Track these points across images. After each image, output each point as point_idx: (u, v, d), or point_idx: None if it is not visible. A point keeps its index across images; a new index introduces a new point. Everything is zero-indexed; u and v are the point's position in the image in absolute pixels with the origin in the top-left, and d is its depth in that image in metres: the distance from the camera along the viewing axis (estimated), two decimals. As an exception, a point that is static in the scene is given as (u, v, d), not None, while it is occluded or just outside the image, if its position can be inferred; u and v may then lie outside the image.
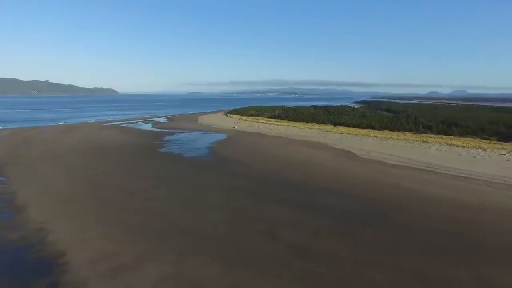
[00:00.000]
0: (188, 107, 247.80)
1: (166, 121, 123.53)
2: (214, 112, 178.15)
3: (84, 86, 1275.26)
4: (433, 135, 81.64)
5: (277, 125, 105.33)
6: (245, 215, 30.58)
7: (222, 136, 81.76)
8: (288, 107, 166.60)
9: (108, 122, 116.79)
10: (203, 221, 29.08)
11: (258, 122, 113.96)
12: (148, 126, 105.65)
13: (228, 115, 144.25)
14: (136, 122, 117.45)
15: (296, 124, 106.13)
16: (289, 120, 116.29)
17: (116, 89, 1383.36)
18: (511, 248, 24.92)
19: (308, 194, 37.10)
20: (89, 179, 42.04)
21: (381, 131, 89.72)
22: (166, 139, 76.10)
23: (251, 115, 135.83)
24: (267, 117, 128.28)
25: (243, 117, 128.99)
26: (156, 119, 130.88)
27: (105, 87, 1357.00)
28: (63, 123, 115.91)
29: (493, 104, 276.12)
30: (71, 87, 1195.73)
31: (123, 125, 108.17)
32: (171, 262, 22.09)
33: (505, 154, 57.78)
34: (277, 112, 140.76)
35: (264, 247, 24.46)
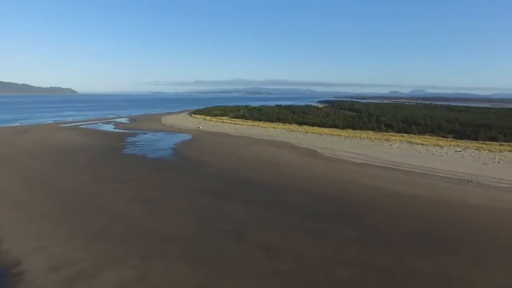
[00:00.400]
0: (151, 107, 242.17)
1: (128, 122, 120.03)
2: (178, 112, 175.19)
3: (40, 86, 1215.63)
4: (394, 134, 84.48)
5: (242, 125, 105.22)
6: (211, 215, 30.20)
7: (186, 137, 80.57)
8: (253, 107, 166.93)
9: (67, 123, 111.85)
10: (167, 223, 28.41)
11: (223, 122, 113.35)
12: (109, 127, 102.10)
13: (193, 115, 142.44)
14: (96, 123, 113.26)
15: (261, 123, 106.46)
16: (254, 119, 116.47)
17: (74, 89, 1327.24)
18: (470, 240, 26.12)
19: (274, 193, 37.22)
20: (46, 182, 40.00)
21: (344, 130, 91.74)
22: (128, 140, 73.93)
23: (216, 115, 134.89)
24: (232, 117, 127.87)
25: (208, 117, 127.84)
26: (118, 120, 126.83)
27: (63, 86, 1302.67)
28: (18, 124, 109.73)
29: (449, 103, 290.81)
30: (25, 87, 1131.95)
31: (82, 126, 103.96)
32: (135, 266, 21.37)
33: (460, 151, 60.82)
34: (242, 112, 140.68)
35: (231, 247, 24.23)
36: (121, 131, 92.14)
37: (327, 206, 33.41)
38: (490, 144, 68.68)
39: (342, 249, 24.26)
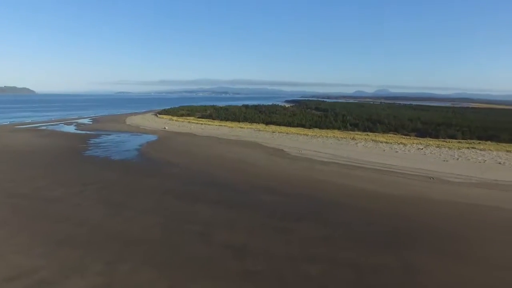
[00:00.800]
0: (115, 108, 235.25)
1: (91, 123, 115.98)
2: (143, 112, 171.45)
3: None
4: (359, 132, 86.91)
5: (209, 125, 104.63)
6: (178, 217, 29.82)
7: (152, 137, 79.03)
8: (220, 107, 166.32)
9: (23, 125, 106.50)
10: (133, 226, 27.79)
11: (189, 122, 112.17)
12: (71, 128, 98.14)
13: (158, 115, 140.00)
14: (57, 124, 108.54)
15: (228, 123, 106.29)
16: (221, 119, 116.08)
17: (32, 88, 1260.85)
18: (432, 234, 27.32)
19: (242, 193, 37.28)
20: (1, 187, 37.97)
21: (311, 129, 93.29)
22: (91, 142, 71.50)
23: (182, 115, 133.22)
24: (198, 117, 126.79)
25: (174, 117, 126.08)
26: (80, 121, 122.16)
27: (19, 86, 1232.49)
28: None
29: (412, 103, 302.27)
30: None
31: (42, 127, 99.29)
32: (100, 271, 20.73)
33: (422, 149, 63.57)
34: (208, 111, 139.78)
35: (199, 248, 24.04)
36: (84, 132, 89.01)
37: (294, 204, 33.87)
38: (449, 142, 72.35)
39: (310, 247, 24.68)
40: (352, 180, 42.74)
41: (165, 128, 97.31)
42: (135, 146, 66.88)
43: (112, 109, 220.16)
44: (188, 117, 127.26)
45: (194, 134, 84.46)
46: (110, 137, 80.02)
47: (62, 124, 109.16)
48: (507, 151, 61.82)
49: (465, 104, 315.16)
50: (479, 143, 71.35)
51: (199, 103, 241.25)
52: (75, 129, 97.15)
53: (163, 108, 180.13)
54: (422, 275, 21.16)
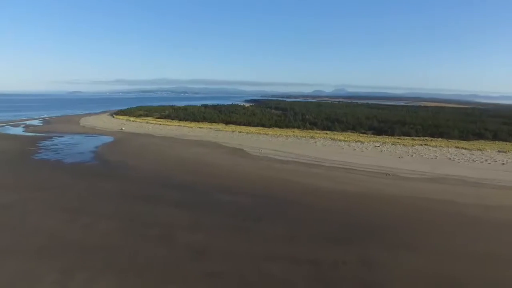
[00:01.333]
0: (68, 108, 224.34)
1: (41, 124, 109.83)
2: (99, 113, 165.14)
3: None
4: (318, 131, 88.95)
5: (168, 125, 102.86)
6: (138, 221, 29.16)
7: (108, 139, 76.44)
8: (179, 107, 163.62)
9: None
10: (90, 232, 26.83)
11: (147, 122, 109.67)
12: (18, 130, 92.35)
13: (115, 116, 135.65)
14: (2, 126, 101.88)
15: (187, 123, 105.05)
16: (180, 120, 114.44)
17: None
18: (388, 228, 28.62)
19: (203, 194, 37.09)
20: None
21: (271, 128, 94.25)
22: (42, 144, 67.88)
23: (140, 116, 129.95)
24: (156, 118, 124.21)
25: (131, 118, 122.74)
26: (29, 122, 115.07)
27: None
28: None
29: (368, 102, 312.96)
30: None
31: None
32: (55, 281, 19.89)
33: (379, 146, 66.25)
34: (167, 112, 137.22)
35: (160, 252, 23.67)
36: (34, 134, 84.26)
37: (255, 204, 34.18)
38: (404, 139, 76.01)
39: (271, 246, 25.06)
40: (312, 178, 43.74)
41: (122, 129, 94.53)
42: (90, 148, 64.39)
43: (65, 109, 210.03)
44: (146, 118, 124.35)
45: (153, 135, 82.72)
46: (62, 139, 76.46)
47: (9, 126, 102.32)
48: (456, 147, 65.93)
49: (417, 103, 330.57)
50: (431, 140, 75.61)
51: (158, 103, 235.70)
52: (23, 131, 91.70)
53: (120, 108, 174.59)
54: (378, 268, 22.17)
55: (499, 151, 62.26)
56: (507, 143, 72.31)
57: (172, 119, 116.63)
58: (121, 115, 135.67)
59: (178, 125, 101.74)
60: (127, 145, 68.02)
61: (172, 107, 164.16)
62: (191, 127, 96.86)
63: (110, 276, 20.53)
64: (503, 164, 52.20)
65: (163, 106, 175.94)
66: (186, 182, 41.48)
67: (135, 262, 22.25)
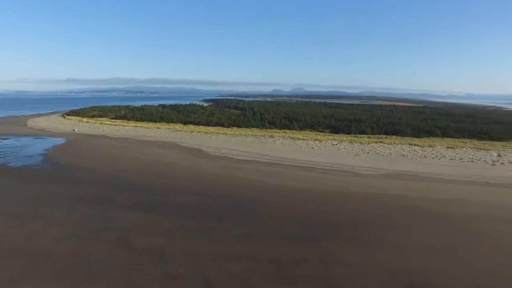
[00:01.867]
0: (14, 109, 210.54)
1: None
2: (49, 113, 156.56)
3: None
4: (277, 130, 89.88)
5: (124, 126, 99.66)
6: (93, 225, 28.00)
7: (59, 141, 72.68)
8: (135, 107, 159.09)
9: None
10: (40, 239, 25.40)
11: (101, 123, 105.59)
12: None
13: (66, 116, 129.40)
14: None
15: (144, 124, 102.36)
16: (136, 120, 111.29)
17: None
18: (347, 224, 29.48)
19: (161, 195, 36.29)
20: None
21: (230, 128, 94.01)
22: (-16, 148, 63.31)
23: (94, 116, 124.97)
24: (111, 118, 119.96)
25: (84, 119, 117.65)
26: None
27: None
28: None
29: (325, 101, 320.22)
30: None
31: None
32: (0, 293, 18.62)
33: (337, 144, 68.00)
34: (123, 112, 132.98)
35: (116, 256, 22.88)
36: (-25, 137, 78.35)
37: (215, 204, 33.91)
38: (361, 137, 78.59)
39: (232, 245, 24.98)
40: (272, 177, 44.07)
41: (74, 130, 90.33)
42: (39, 151, 60.87)
43: (11, 110, 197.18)
44: (100, 118, 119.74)
45: (108, 136, 79.74)
46: (8, 141, 71.65)
47: None
48: (409, 144, 69.25)
49: (372, 102, 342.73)
50: (386, 137, 78.88)
51: (113, 103, 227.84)
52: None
53: (72, 108, 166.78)
54: (338, 264, 22.80)
55: (447, 147, 66.03)
56: (455, 139, 77.19)
57: (128, 120, 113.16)
58: (73, 115, 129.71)
59: (134, 126, 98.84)
60: (80, 147, 65.05)
61: (128, 107, 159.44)
62: (149, 128, 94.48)
63: (63, 285, 19.56)
64: (451, 159, 55.36)
65: (119, 106, 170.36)
66: (144, 183, 40.40)
67: (90, 269, 21.33)
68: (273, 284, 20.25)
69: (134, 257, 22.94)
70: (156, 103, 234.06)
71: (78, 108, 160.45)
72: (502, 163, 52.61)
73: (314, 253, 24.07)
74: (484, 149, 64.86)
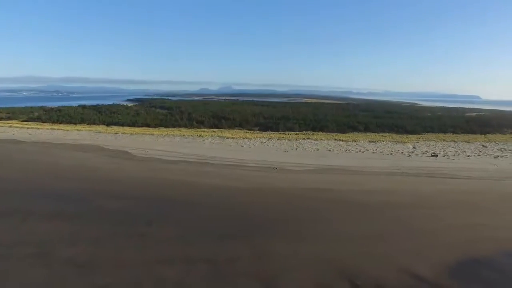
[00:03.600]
0: None
1: None
2: None
3: None
4: (206, 129, 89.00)
5: (38, 128, 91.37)
6: (7, 240, 25.34)
7: (-40, 148, 64.54)
8: (51, 108, 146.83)
9: None
10: None
11: (10, 126, 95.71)
12: None
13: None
14: None
15: (62, 126, 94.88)
16: (53, 122, 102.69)
17: None
18: (278, 219, 30.21)
19: (85, 202, 34.00)
20: None
21: (156, 128, 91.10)
22: None
23: (1, 119, 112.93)
24: (23, 121, 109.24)
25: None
26: None
27: None
28: None
29: (254, 99, 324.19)
30: None
31: None
32: None
33: (266, 142, 69.29)
34: (36, 114, 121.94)
35: (35, 273, 21.02)
36: None
37: (144, 207, 32.70)
38: (289, 134, 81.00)
39: (164, 249, 24.34)
40: (202, 177, 43.65)
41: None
42: None
43: None
44: (9, 121, 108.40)
45: (20, 141, 72.42)
46: None
47: None
48: (335, 139, 73.13)
49: (299, 100, 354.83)
50: (313, 133, 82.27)
51: (24, 104, 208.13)
52: None
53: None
54: (272, 258, 23.40)
55: (370, 141, 70.99)
56: (376, 134, 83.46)
57: (43, 122, 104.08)
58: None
59: (51, 129, 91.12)
60: (-14, 153, 58.40)
61: (43, 108, 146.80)
62: (67, 130, 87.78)
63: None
64: (373, 152, 59.60)
65: (31, 107, 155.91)
66: (65, 190, 37.51)
67: (5, 288, 19.29)
68: (209, 285, 20.15)
69: (56, 271, 21.26)
70: (75, 103, 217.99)
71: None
72: (417, 155, 58.03)
73: (248, 250, 24.39)
74: (401, 142, 71.08)
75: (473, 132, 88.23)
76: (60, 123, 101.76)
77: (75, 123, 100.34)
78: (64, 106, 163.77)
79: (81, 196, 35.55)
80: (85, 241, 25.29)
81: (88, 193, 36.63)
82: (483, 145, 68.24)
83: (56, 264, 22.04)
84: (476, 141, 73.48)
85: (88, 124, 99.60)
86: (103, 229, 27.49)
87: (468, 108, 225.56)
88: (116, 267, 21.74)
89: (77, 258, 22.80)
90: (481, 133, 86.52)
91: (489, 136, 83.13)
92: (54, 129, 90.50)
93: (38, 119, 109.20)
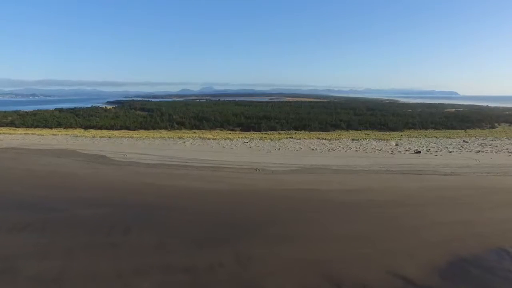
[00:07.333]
0: None
1: None
2: None
3: None
4: (187, 131, 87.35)
5: (11, 134, 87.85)
6: (-32, 256, 23.48)
7: None
8: (26, 112, 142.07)
9: None
10: None
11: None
12: None
13: None
14: None
15: (37, 131, 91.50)
16: (28, 127, 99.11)
17: None
18: (261, 221, 29.24)
19: (58, 210, 32.17)
20: None
21: (136, 131, 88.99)
22: None
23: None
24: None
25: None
26: None
27: None
28: None
29: (235, 99, 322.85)
30: None
31: None
32: None
33: (248, 142, 68.16)
34: (10, 118, 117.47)
35: (-1, 291, 19.35)
36: None
37: (121, 214, 31.19)
38: (271, 134, 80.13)
39: (141, 259, 23.04)
40: (183, 180, 42.29)
41: None
42: None
43: None
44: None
45: (-10, 147, 69.42)
46: None
47: None
48: (318, 138, 72.67)
49: (281, 99, 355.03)
50: (295, 133, 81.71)
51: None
52: None
53: None
54: (254, 262, 22.42)
55: (352, 140, 70.77)
56: (358, 131, 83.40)
57: (17, 127, 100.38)
58: None
59: (25, 133, 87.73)
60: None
61: (17, 112, 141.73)
62: (43, 135, 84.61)
63: None
64: (356, 151, 59.29)
65: (4, 111, 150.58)
66: (37, 199, 35.50)
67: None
68: (188, 296, 18.97)
69: (23, 286, 19.69)
70: (52, 107, 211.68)
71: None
72: (400, 152, 58.02)
73: (230, 256, 23.28)
74: (384, 139, 71.14)
75: (453, 127, 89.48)
76: (35, 127, 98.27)
77: (51, 127, 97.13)
78: (40, 110, 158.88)
79: (54, 205, 33.62)
80: (55, 254, 23.65)
81: (62, 201, 34.78)
82: (464, 141, 68.94)
83: (22, 280, 20.43)
84: (457, 137, 74.33)
85: (64, 128, 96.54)
86: (76, 240, 25.85)
87: (447, 104, 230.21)
88: (87, 280, 20.29)
89: (47, 272, 21.22)
90: (461, 129, 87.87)
91: (469, 131, 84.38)
92: (28, 134, 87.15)
93: (11, 124, 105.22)
